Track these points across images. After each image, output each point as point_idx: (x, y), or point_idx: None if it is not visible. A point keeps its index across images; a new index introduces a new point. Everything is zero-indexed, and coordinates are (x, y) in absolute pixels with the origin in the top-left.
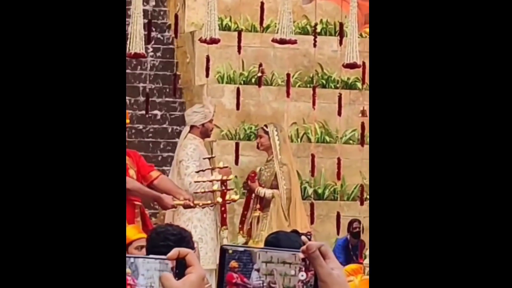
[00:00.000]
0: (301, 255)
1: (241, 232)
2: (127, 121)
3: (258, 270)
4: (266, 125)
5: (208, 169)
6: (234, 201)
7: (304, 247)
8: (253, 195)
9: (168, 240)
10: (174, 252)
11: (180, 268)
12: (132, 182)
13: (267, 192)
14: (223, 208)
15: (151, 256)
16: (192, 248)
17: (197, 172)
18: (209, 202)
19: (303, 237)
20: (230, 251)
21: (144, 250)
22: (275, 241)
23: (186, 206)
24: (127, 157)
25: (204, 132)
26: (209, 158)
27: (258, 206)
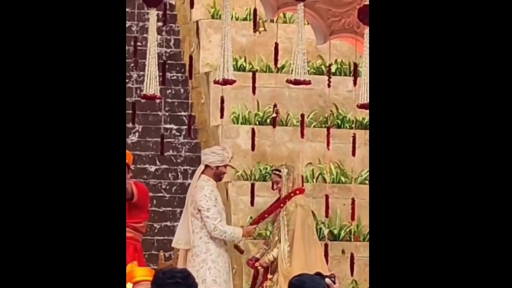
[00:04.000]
0: None
1: None
2: (129, 163)
3: None
4: (278, 169)
5: None
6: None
7: None
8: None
9: (175, 277)
10: None
11: None
12: None
13: (273, 254)
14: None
15: None
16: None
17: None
18: None
19: (327, 280)
20: None
21: None
22: (299, 283)
23: None
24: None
25: (217, 175)
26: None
27: (269, 276)
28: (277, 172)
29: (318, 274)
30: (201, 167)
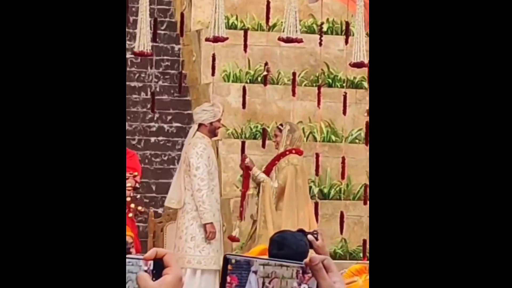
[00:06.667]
0: (302, 265)
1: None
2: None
3: (255, 272)
4: (282, 124)
5: None
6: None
7: (307, 260)
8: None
9: None
10: (152, 252)
11: (157, 269)
12: None
13: (260, 175)
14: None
15: (128, 256)
16: None
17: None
18: None
19: (309, 236)
20: (233, 261)
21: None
22: (280, 239)
23: None
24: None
25: (212, 131)
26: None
27: (252, 185)
28: (279, 127)
29: (301, 230)
30: (195, 126)
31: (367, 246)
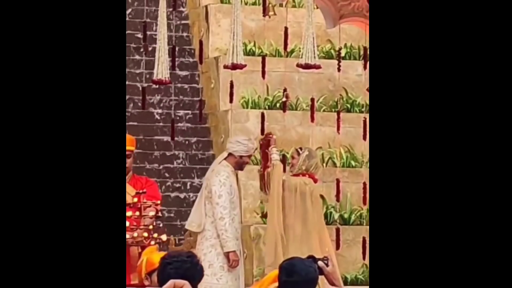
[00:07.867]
0: None
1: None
2: (133, 148)
3: None
4: (301, 148)
5: None
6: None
7: None
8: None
9: (181, 256)
10: (170, 284)
11: None
12: None
13: (275, 154)
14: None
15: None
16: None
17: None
18: None
19: (319, 262)
20: None
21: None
22: (289, 267)
23: None
24: None
25: (239, 164)
26: None
27: (269, 163)
28: (298, 150)
29: (311, 257)
30: (224, 154)
31: None
